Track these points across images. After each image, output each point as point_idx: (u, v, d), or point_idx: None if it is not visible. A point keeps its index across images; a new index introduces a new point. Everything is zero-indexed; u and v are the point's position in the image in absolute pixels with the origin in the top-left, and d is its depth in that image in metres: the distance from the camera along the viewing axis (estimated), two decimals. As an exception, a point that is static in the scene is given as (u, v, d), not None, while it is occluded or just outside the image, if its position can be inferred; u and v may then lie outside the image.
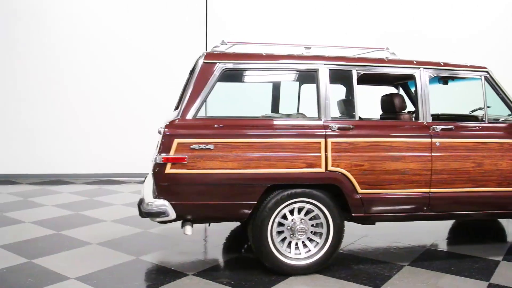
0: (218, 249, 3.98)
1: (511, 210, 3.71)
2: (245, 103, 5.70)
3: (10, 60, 7.38)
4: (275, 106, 4.60)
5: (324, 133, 3.29)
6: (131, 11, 7.54)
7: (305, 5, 7.82)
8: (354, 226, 4.15)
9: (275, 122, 3.36)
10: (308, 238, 3.38)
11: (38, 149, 7.35)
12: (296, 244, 3.37)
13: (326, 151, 3.27)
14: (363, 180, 3.33)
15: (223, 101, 4.93)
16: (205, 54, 3.31)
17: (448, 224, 4.84)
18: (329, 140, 3.28)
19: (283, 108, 4.68)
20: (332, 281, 3.26)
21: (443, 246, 4.12)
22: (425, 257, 3.79)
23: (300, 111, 4.40)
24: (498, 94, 3.74)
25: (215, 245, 4.10)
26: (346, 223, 3.47)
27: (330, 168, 3.27)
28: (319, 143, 3.27)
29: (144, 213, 3.16)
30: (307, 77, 3.53)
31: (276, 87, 4.57)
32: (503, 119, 4.02)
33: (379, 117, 4.32)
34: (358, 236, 4.34)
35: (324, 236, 3.38)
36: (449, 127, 3.54)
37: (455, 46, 7.96)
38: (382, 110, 4.17)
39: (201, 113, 3.39)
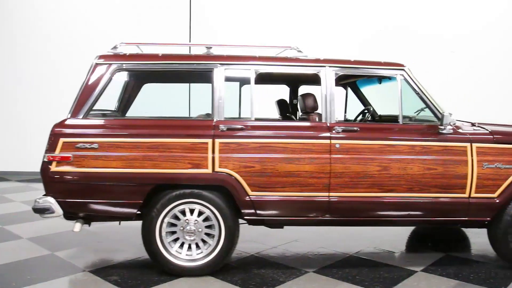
0: (135, 248, 4.00)
1: (428, 218, 3.46)
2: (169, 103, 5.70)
3: (3, 60, 7.81)
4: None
5: (212, 133, 3.24)
6: (119, 12, 7.66)
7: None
8: (288, 229, 4.05)
9: (163, 123, 3.35)
10: (202, 239, 3.35)
11: (31, 147, 7.73)
12: (190, 245, 3.34)
13: (213, 152, 3.22)
14: (254, 182, 3.25)
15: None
16: (98, 55, 3.37)
17: (403, 230, 4.58)
18: (217, 140, 3.23)
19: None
20: (218, 284, 3.22)
21: (369, 253, 3.91)
22: (338, 264, 3.63)
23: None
24: (416, 93, 3.50)
25: (138, 244, 4.12)
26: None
27: (217, 169, 3.22)
28: (206, 143, 3.23)
29: (32, 209, 3.27)
30: (203, 77, 3.50)
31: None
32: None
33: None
34: (287, 240, 4.22)
35: (216, 238, 3.32)
36: (353, 128, 3.37)
37: (454, 43, 7.54)
38: (300, 110, 4.04)
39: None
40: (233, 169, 3.23)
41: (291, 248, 4.02)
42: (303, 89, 4.71)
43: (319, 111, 3.57)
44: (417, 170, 3.34)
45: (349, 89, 4.68)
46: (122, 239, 4.24)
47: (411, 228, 4.72)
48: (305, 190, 3.29)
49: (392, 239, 4.34)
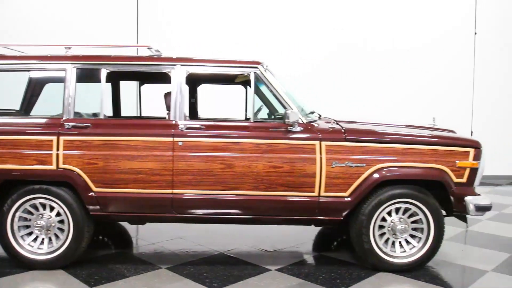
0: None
1: (277, 216, 3.45)
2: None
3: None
4: (115, 108, 4.69)
5: (58, 131, 3.34)
6: (69, 9, 7.67)
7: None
8: (182, 226, 4.18)
9: (13, 120, 3.47)
10: (55, 234, 3.45)
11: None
12: (43, 239, 3.45)
13: (58, 149, 3.32)
14: (97, 179, 3.32)
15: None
16: (-41, 56, 3.53)
17: (303, 229, 4.53)
18: (62, 138, 3.33)
19: (124, 110, 4.77)
20: (63, 277, 3.30)
21: (241, 252, 3.91)
22: (198, 262, 3.66)
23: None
24: (270, 91, 3.50)
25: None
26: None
27: (61, 165, 3.32)
28: (51, 141, 3.33)
29: None
30: (58, 77, 3.60)
31: (115, 89, 4.65)
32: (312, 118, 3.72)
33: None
34: (172, 237, 4.27)
35: (65, 233, 3.42)
36: (197, 126, 3.39)
37: (406, 55, 7.44)
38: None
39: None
40: (77, 166, 3.32)
41: (168, 245, 4.07)
42: (202, 88, 4.79)
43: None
44: (262, 168, 3.33)
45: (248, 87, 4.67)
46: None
47: (316, 228, 4.66)
48: (148, 187, 3.34)
49: (280, 238, 4.32)
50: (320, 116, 3.96)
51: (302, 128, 3.40)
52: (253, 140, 3.37)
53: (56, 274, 3.36)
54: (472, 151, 3.44)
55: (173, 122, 3.40)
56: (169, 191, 3.34)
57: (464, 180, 3.42)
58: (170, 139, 3.34)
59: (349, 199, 3.37)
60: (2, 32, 7.12)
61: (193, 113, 4.75)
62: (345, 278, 3.37)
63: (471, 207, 3.39)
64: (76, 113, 3.52)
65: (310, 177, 3.35)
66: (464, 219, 3.67)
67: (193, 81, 4.69)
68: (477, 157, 3.44)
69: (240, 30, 7.54)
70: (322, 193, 3.36)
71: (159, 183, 3.33)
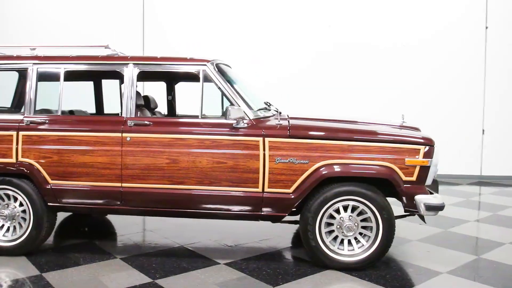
0: None
1: (222, 211, 3.49)
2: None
3: None
4: (98, 105, 4.91)
5: (17, 126, 3.57)
6: (70, 13, 7.91)
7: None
8: (156, 220, 4.32)
9: (-24, 116, 3.74)
10: (19, 223, 3.69)
11: None
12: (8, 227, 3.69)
13: (17, 143, 3.55)
14: (53, 172, 3.52)
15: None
16: None
17: (281, 227, 4.55)
18: (21, 133, 3.55)
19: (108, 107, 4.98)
20: (23, 263, 3.53)
21: (202, 246, 3.98)
22: (155, 253, 3.77)
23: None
24: (218, 88, 3.55)
25: None
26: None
27: (20, 159, 3.54)
28: (12, 135, 3.56)
29: None
30: (21, 75, 3.82)
31: (98, 87, 4.87)
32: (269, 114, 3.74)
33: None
34: (141, 230, 4.42)
35: (27, 222, 3.64)
36: (144, 122, 3.50)
37: (412, 50, 7.22)
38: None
39: None
40: (34, 159, 3.53)
41: (135, 237, 4.22)
42: (180, 86, 4.90)
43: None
44: (206, 163, 3.40)
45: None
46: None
47: (291, 226, 4.65)
48: (99, 180, 3.50)
49: (247, 234, 4.35)
50: (280, 112, 3.95)
51: (247, 125, 3.42)
52: (198, 136, 3.44)
53: (17, 260, 3.59)
54: (422, 148, 3.33)
55: (123, 119, 3.54)
56: (119, 184, 3.48)
57: (413, 178, 3.33)
58: (119, 134, 3.48)
59: (293, 195, 3.36)
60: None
61: (171, 111, 4.88)
62: (289, 274, 3.37)
63: (422, 206, 3.29)
64: (42, 110, 3.74)
65: (253, 173, 3.37)
66: (422, 218, 3.56)
67: (170, 79, 4.82)
68: (428, 155, 3.33)
69: (242, 31, 7.60)
70: (266, 189, 3.38)
71: (109, 177, 3.48)
